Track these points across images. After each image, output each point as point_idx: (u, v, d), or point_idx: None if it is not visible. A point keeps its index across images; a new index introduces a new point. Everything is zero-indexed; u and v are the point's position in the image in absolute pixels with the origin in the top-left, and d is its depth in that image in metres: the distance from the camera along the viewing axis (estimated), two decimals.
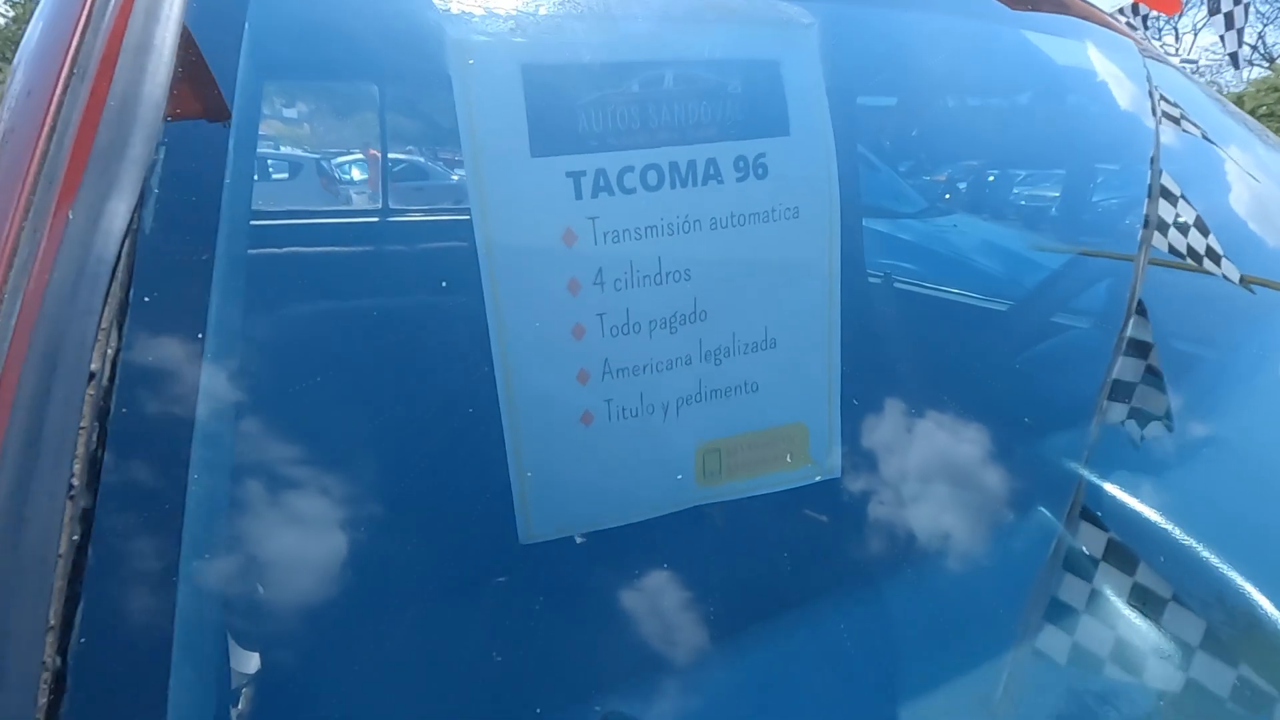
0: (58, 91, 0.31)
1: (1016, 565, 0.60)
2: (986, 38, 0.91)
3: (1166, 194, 0.82)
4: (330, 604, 0.38)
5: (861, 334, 0.69)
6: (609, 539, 0.50)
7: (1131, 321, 0.71)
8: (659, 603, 0.50)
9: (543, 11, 0.43)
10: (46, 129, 0.30)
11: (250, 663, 0.32)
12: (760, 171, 0.50)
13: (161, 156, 0.31)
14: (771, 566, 0.56)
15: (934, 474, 0.62)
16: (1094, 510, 0.60)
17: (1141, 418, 0.67)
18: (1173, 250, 0.79)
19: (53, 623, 0.23)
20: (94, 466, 0.25)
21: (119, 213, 0.29)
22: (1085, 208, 1.29)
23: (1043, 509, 0.62)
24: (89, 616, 0.24)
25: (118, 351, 0.28)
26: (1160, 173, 0.82)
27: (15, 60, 0.37)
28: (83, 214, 0.28)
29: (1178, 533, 0.59)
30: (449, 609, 0.47)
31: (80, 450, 0.26)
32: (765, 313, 0.53)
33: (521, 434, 0.47)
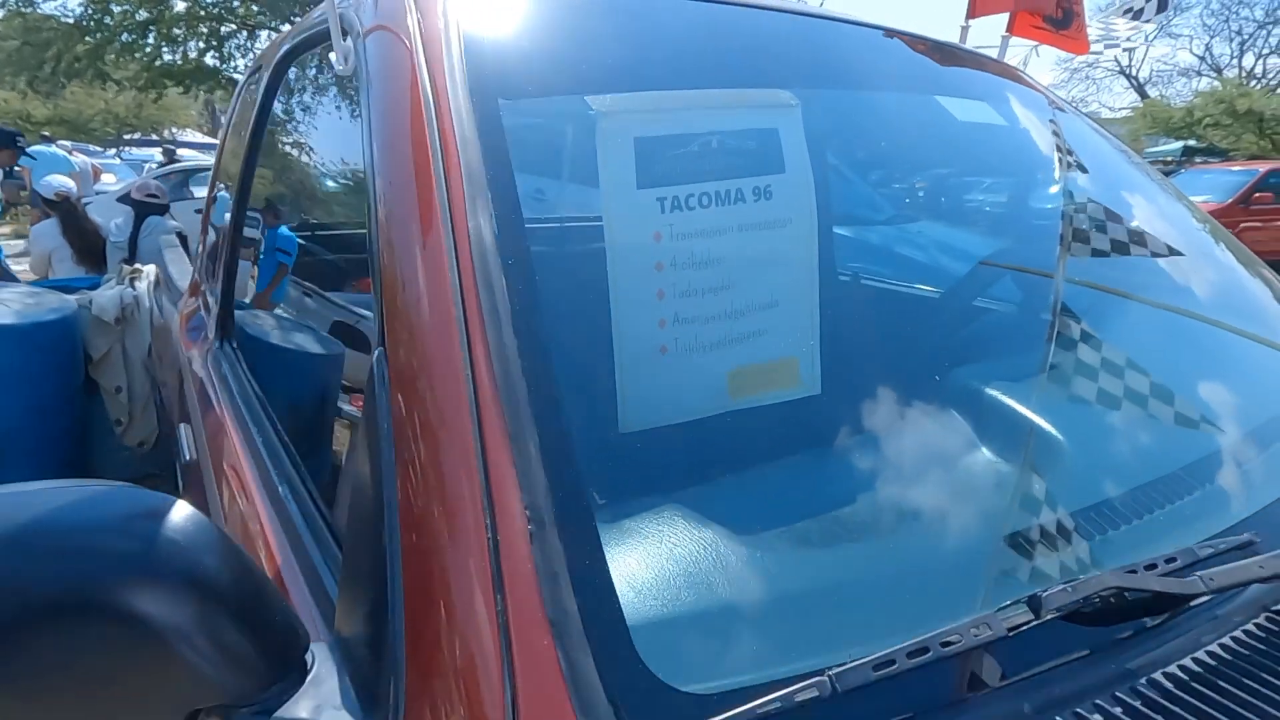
0: (432, 168, 0.60)
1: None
2: (921, 103, 1.23)
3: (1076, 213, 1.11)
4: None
5: (840, 309, 0.99)
6: (674, 431, 0.80)
7: (1057, 321, 0.99)
8: (704, 461, 0.79)
9: (644, 108, 0.73)
10: (433, 187, 0.59)
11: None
12: (768, 196, 0.80)
13: (491, 196, 0.60)
14: (771, 450, 0.86)
15: (887, 394, 0.92)
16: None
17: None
18: (1096, 252, 1.07)
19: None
20: (503, 349, 0.54)
21: (488, 226, 0.58)
22: (1013, 228, 1.61)
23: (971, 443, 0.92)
24: (510, 420, 0.52)
25: (507, 289, 0.57)
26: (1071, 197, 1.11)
27: (368, 172, 0.66)
28: (475, 227, 0.57)
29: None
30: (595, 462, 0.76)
31: (508, 339, 0.54)
32: (771, 285, 0.83)
33: (626, 359, 0.76)
